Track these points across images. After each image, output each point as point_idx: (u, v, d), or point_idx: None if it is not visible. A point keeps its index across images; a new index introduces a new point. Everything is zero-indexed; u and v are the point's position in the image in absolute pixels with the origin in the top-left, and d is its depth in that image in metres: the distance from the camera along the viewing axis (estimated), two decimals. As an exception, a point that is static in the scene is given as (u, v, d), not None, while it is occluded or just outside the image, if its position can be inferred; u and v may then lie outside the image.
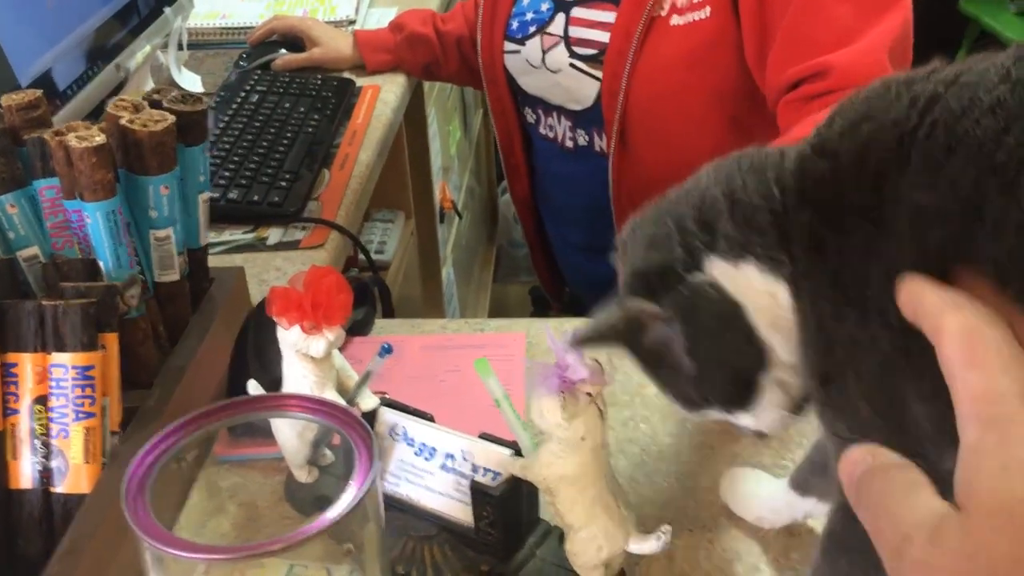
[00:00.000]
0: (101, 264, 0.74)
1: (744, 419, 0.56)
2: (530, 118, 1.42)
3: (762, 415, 0.55)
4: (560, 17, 1.29)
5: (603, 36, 1.24)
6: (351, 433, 0.53)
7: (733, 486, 0.74)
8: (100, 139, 0.71)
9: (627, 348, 0.55)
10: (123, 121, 0.75)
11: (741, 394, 0.54)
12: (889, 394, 0.48)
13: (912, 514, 0.34)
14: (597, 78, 1.25)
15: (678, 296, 0.52)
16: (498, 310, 2.73)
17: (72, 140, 0.71)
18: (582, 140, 1.34)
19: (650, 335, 0.54)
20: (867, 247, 0.45)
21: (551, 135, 1.38)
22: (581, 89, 1.28)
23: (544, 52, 1.31)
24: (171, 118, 0.76)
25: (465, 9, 1.52)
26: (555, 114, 1.36)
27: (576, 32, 1.28)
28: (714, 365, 0.53)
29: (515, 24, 1.35)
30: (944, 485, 0.49)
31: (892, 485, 0.36)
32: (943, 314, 0.37)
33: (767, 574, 0.69)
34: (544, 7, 1.32)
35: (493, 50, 1.38)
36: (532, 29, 1.33)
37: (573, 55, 1.28)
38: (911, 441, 0.49)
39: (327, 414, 0.54)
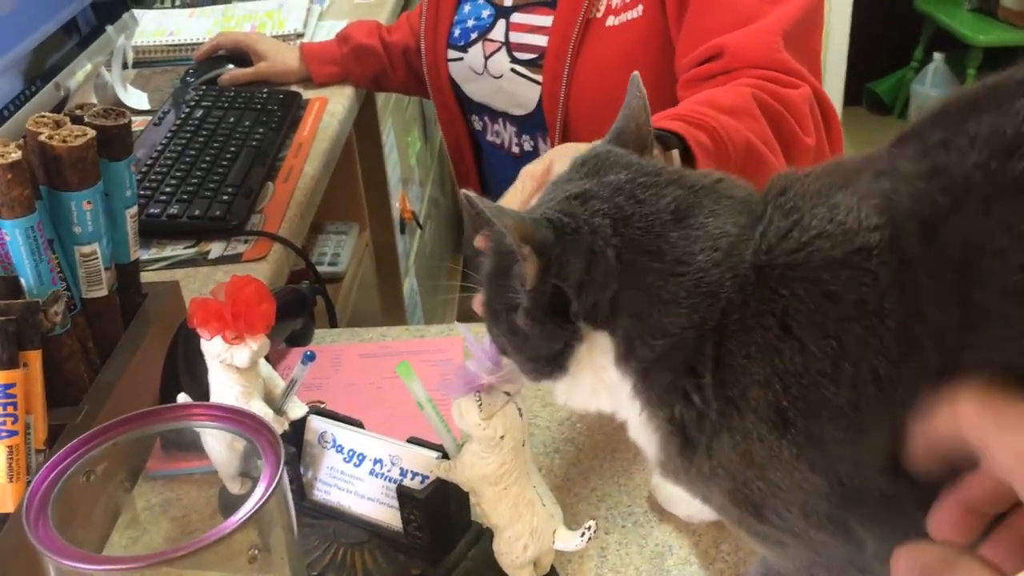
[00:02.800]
0: (23, 281, 0.74)
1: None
2: (477, 125, 1.42)
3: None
4: (501, 23, 1.30)
5: (542, 40, 1.25)
6: (258, 438, 0.53)
7: (663, 484, 0.74)
8: (16, 155, 0.70)
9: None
10: (42, 137, 0.75)
11: (551, 367, 0.54)
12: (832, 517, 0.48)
13: None
14: (538, 82, 1.26)
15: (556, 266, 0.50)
16: (466, 319, 2.73)
17: (-13, 157, 0.70)
18: (528, 146, 1.34)
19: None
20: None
21: (498, 141, 1.39)
22: (523, 94, 1.29)
23: (486, 58, 1.31)
24: (91, 133, 0.76)
25: (410, 19, 1.52)
26: (501, 120, 1.36)
27: (516, 37, 1.28)
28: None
29: (457, 32, 1.36)
30: None
31: None
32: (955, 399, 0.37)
33: (697, 566, 0.69)
34: (485, 14, 1.32)
35: (437, 59, 1.39)
36: (474, 36, 1.33)
37: (514, 60, 1.28)
38: (854, 555, 0.49)
39: (235, 421, 0.54)
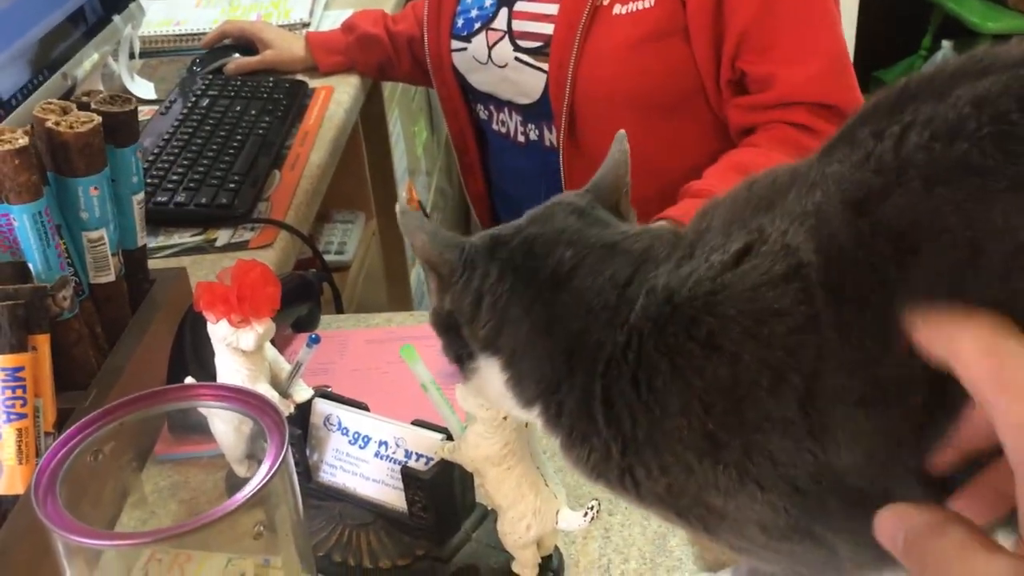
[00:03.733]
0: (31, 266, 0.74)
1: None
2: (483, 114, 1.42)
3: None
4: (503, 12, 1.30)
5: (546, 28, 1.25)
6: (263, 418, 0.53)
7: None
8: (23, 141, 0.71)
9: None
10: (49, 123, 0.75)
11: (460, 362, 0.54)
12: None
13: None
14: (543, 70, 1.26)
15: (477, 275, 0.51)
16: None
17: (-5, 143, 0.71)
18: (533, 135, 1.35)
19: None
20: None
21: (504, 130, 1.39)
22: (528, 82, 1.29)
23: (490, 48, 1.31)
24: (97, 119, 0.76)
25: (416, 9, 1.52)
26: (506, 109, 1.36)
27: (519, 26, 1.28)
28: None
29: (460, 22, 1.36)
30: None
31: (945, 552, 0.33)
32: (954, 332, 0.33)
33: (699, 547, 0.70)
34: (488, 3, 1.32)
35: (440, 49, 1.39)
36: (477, 26, 1.33)
37: (517, 48, 1.28)
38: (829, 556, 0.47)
39: (240, 401, 0.55)
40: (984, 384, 0.32)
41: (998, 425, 0.32)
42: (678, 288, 0.44)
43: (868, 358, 0.39)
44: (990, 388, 0.32)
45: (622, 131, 0.61)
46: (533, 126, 1.34)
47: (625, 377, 0.45)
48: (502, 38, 1.30)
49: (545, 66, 1.26)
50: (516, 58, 1.28)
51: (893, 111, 0.40)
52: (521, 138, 1.36)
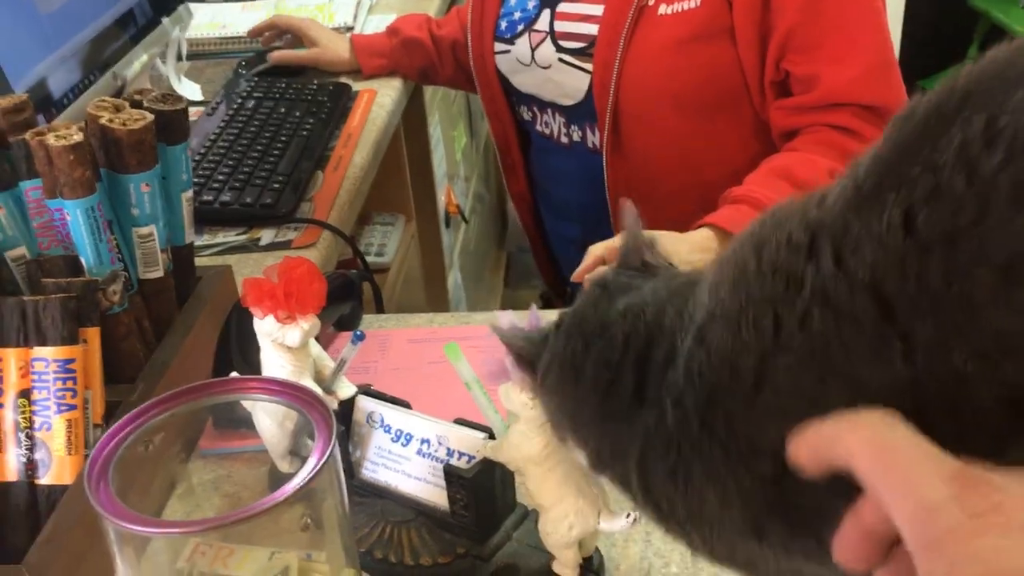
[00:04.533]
0: (83, 261, 0.76)
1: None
2: (526, 116, 1.43)
3: None
4: (546, 13, 1.30)
5: (590, 29, 1.25)
6: (311, 412, 0.54)
7: None
8: (78, 137, 0.72)
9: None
10: (103, 120, 0.77)
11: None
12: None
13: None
14: (587, 71, 1.26)
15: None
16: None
17: (51, 139, 0.72)
18: (576, 136, 1.35)
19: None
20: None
21: (547, 132, 1.39)
22: (571, 83, 1.29)
23: (533, 49, 1.32)
24: (150, 117, 0.78)
25: (460, 14, 1.53)
26: (549, 111, 1.37)
27: (562, 27, 1.28)
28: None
29: (503, 24, 1.36)
30: None
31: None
32: (844, 435, 0.35)
33: (742, 553, 0.69)
34: (531, 5, 1.33)
35: (483, 51, 1.39)
36: (520, 28, 1.34)
37: (560, 49, 1.28)
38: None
39: (288, 395, 0.55)
40: (872, 477, 0.34)
41: (892, 515, 0.33)
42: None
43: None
44: (877, 481, 0.33)
45: (629, 203, 0.56)
46: (576, 127, 1.34)
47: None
48: (544, 39, 1.30)
49: (589, 67, 1.26)
50: (560, 59, 1.28)
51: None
52: (564, 139, 1.37)
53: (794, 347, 0.38)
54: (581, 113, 1.31)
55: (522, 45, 1.33)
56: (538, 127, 1.41)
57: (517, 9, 1.34)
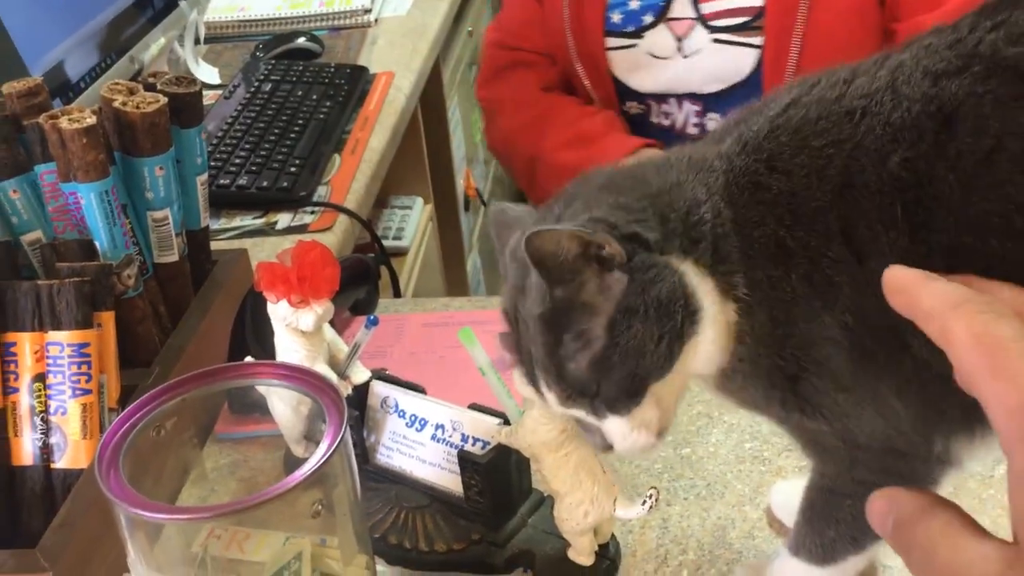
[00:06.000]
0: (97, 244, 0.76)
1: (611, 424, 0.53)
2: (634, 110, 1.32)
3: (630, 426, 0.53)
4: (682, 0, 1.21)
5: (748, 0, 1.17)
6: (322, 397, 0.53)
7: (777, 492, 0.71)
8: (90, 120, 0.72)
9: (549, 278, 0.50)
10: (117, 103, 0.76)
11: (628, 394, 0.51)
12: (865, 388, 0.49)
13: (967, 568, 0.32)
14: (754, 46, 1.18)
15: (639, 265, 0.50)
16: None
17: (64, 122, 0.72)
18: (711, 125, 1.26)
19: (584, 282, 0.50)
20: (835, 250, 0.47)
21: (667, 123, 1.30)
22: (730, 64, 1.21)
23: (679, 39, 1.22)
24: (163, 100, 0.77)
25: (510, 23, 1.39)
26: (673, 101, 1.28)
27: (711, 7, 1.19)
28: (625, 353, 0.50)
29: (618, 17, 1.24)
30: (935, 466, 0.50)
31: (932, 536, 0.33)
32: (947, 317, 0.34)
33: (760, 540, 0.69)
34: None
35: (591, 49, 1.26)
36: (647, 19, 1.23)
37: (715, 30, 1.20)
38: (893, 427, 0.49)
39: (300, 380, 0.55)
40: (975, 371, 0.33)
41: (989, 410, 0.32)
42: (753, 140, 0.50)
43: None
44: (981, 375, 0.32)
45: None
46: (715, 115, 1.25)
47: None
48: (693, 26, 1.21)
49: (756, 40, 1.18)
50: (715, 40, 1.20)
51: (998, 10, 0.44)
52: (694, 129, 1.28)
53: None
54: (730, 98, 1.22)
55: (658, 38, 1.23)
56: (653, 119, 1.31)
57: None
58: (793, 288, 0.48)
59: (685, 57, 1.22)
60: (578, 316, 0.50)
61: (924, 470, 0.52)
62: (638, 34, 1.24)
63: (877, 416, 0.50)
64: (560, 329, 0.51)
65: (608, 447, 0.56)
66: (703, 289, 0.50)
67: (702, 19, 1.21)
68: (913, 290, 0.36)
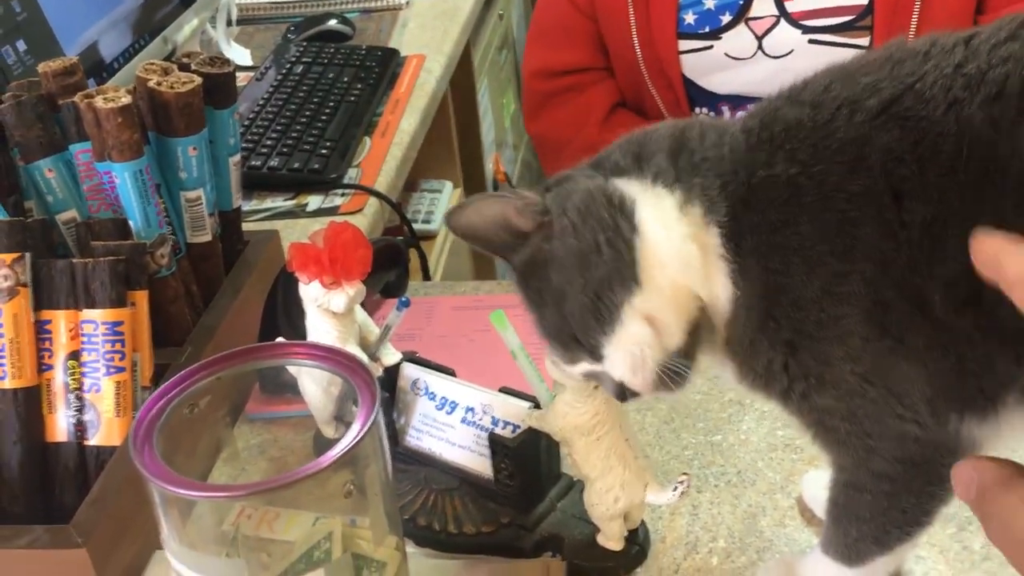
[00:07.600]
0: (131, 224, 0.76)
1: (608, 360, 0.53)
2: (702, 112, 1.26)
3: (621, 352, 0.52)
4: None
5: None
6: (354, 378, 0.53)
7: (809, 486, 0.70)
8: (126, 100, 0.72)
9: (494, 250, 0.56)
10: (151, 83, 0.77)
11: (601, 319, 0.51)
12: (879, 352, 0.48)
13: None
14: (859, 47, 1.14)
15: (562, 190, 0.53)
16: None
17: (99, 101, 0.72)
18: None
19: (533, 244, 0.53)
20: (861, 182, 0.45)
21: None
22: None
23: (760, 38, 1.17)
24: (198, 80, 0.77)
25: (561, 31, 1.32)
26: (749, 106, 1.23)
27: (799, 5, 1.14)
28: (573, 270, 0.51)
29: (691, 18, 1.18)
30: (951, 454, 0.50)
31: (1011, 507, 0.34)
32: (1001, 259, 0.35)
33: (792, 529, 0.68)
34: None
35: (661, 53, 1.20)
36: (726, 19, 1.17)
37: (810, 30, 1.14)
38: (904, 406, 0.48)
39: (332, 360, 0.55)
40: None
41: None
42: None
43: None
44: None
45: None
46: None
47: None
48: (775, 24, 1.16)
49: (862, 41, 1.13)
50: (811, 40, 1.14)
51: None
52: None
53: None
54: None
55: (737, 38, 1.17)
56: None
57: None
58: (800, 235, 0.47)
59: (772, 58, 1.17)
60: (540, 272, 0.53)
61: (941, 456, 0.51)
62: (715, 35, 1.18)
63: (889, 395, 0.49)
64: (537, 293, 0.55)
65: (621, 393, 0.55)
66: (647, 195, 0.51)
67: (788, 17, 1.15)
68: (1000, 255, 0.36)
